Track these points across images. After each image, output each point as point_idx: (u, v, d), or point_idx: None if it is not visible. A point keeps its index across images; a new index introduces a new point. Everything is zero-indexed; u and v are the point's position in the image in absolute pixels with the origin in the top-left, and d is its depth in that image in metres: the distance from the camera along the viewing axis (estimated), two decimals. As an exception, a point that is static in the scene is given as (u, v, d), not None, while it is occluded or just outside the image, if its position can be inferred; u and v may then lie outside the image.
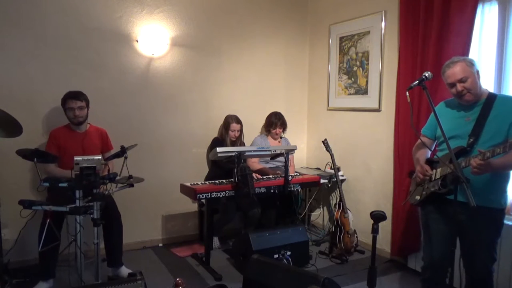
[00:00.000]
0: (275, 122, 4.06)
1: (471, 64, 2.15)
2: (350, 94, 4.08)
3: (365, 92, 3.87)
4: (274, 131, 4.08)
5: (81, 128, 3.13)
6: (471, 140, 2.10)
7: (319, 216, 4.55)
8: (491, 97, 2.16)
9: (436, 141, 2.43)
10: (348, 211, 3.72)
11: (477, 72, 2.16)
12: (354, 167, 4.05)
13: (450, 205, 2.13)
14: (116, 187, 2.74)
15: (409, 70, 3.27)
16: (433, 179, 2.23)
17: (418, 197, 2.33)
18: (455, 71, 2.14)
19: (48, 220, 2.46)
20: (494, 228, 2.14)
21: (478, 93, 2.16)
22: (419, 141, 2.48)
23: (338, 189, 3.76)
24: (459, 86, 2.13)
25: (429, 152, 2.41)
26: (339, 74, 4.22)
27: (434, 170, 2.23)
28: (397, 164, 3.42)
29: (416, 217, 3.25)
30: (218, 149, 3.17)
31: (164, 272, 3.30)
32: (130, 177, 2.72)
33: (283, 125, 4.12)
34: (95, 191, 2.46)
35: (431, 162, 2.32)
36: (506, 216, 2.70)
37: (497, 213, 2.12)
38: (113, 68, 3.59)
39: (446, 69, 2.19)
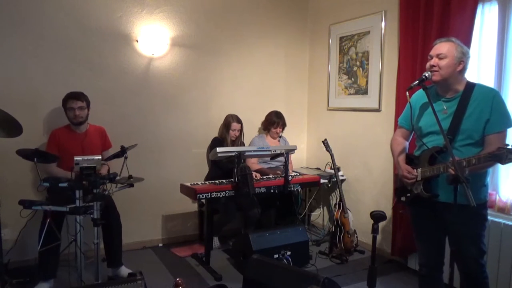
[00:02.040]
0: (276, 121, 4.06)
1: (461, 51, 2.06)
2: (350, 94, 4.08)
3: (365, 92, 3.87)
4: (274, 130, 4.08)
5: (81, 128, 3.13)
6: (449, 137, 2.04)
7: (319, 216, 4.55)
8: (469, 89, 2.08)
9: (412, 134, 2.38)
10: (348, 211, 3.72)
11: (462, 62, 2.06)
12: (354, 167, 4.05)
13: (435, 206, 2.14)
14: (116, 187, 2.74)
15: (409, 70, 3.27)
16: (416, 180, 2.18)
17: (403, 198, 2.31)
18: (441, 45, 2.08)
19: (48, 220, 2.46)
20: (478, 222, 2.12)
21: (450, 80, 2.08)
22: (395, 134, 2.45)
23: (338, 189, 3.76)
24: (433, 60, 2.08)
25: (407, 147, 2.39)
26: (339, 74, 4.22)
27: (417, 170, 2.17)
28: (397, 164, 3.42)
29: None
30: (218, 149, 3.17)
31: (164, 272, 3.30)
32: (130, 177, 2.73)
33: (284, 125, 4.13)
34: (95, 191, 2.46)
35: (410, 159, 2.28)
36: (506, 216, 2.73)
37: (478, 208, 2.06)
38: (113, 68, 3.59)
39: (437, 42, 2.13)
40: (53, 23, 3.30)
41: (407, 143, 2.41)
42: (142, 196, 3.73)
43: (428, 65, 2.11)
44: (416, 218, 2.34)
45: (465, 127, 2.04)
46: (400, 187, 2.34)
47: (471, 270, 2.14)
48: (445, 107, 2.13)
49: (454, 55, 2.05)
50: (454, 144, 2.06)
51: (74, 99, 3.01)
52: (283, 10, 4.46)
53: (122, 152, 2.74)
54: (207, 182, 3.45)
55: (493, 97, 2.04)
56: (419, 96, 2.27)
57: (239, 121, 3.92)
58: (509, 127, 2.05)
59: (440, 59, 2.06)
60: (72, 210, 2.39)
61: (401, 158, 2.31)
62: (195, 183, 3.38)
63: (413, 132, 2.38)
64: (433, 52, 2.11)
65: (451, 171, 1.86)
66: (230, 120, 3.89)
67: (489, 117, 2.01)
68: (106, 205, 2.76)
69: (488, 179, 2.17)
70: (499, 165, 2.80)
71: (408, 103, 2.29)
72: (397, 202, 2.46)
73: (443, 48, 2.07)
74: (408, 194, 2.25)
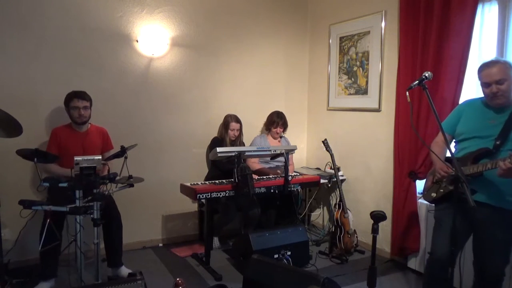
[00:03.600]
0: (276, 121, 4.06)
1: (510, 67, 2.11)
2: (350, 94, 4.08)
3: (365, 92, 3.87)
4: (274, 130, 4.09)
5: (82, 127, 3.13)
6: (498, 142, 2.08)
7: (319, 216, 4.55)
8: None
9: (454, 139, 2.41)
10: (348, 211, 3.72)
11: None
12: (354, 167, 4.05)
13: (467, 204, 2.13)
14: (116, 187, 2.75)
15: (409, 70, 3.27)
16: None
17: (434, 194, 2.31)
18: (493, 71, 2.10)
19: (48, 220, 2.46)
20: (510, 229, 2.11)
21: (510, 97, 2.13)
22: (437, 137, 2.47)
23: (338, 189, 3.76)
24: (495, 88, 2.10)
25: (447, 150, 2.40)
26: (339, 74, 4.22)
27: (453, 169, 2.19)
28: (397, 164, 3.42)
29: (416, 217, 3.25)
30: (218, 149, 3.17)
31: (164, 272, 3.30)
32: (130, 177, 2.72)
33: (284, 125, 4.13)
34: (95, 191, 2.46)
35: (449, 160, 2.28)
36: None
37: None
38: (113, 68, 3.59)
39: (485, 68, 2.15)
40: (53, 23, 3.30)
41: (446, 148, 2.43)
42: (142, 196, 3.72)
43: (489, 91, 2.12)
44: (443, 216, 2.30)
45: None
46: (432, 184, 2.35)
47: (492, 278, 2.13)
48: (493, 118, 2.17)
49: (509, 74, 2.09)
50: (502, 148, 2.08)
51: (80, 98, 3.01)
52: (283, 10, 4.46)
53: (122, 152, 2.74)
54: (207, 182, 3.45)
55: None
56: (469, 104, 2.33)
57: (238, 120, 3.92)
58: None
59: (501, 84, 2.09)
60: (72, 210, 2.39)
61: (440, 154, 2.33)
62: (195, 183, 3.38)
63: (453, 138, 2.41)
64: (488, 79, 2.11)
65: (502, 165, 1.90)
66: (229, 120, 3.89)
67: None
68: (106, 205, 2.76)
69: None
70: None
71: (457, 109, 2.39)
72: (426, 200, 2.46)
73: (497, 72, 2.09)
74: (441, 190, 2.25)
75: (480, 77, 2.19)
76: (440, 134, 2.46)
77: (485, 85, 2.15)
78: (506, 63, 2.12)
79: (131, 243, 3.68)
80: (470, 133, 2.22)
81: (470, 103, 2.35)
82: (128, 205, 3.56)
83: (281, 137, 4.24)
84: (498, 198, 1.97)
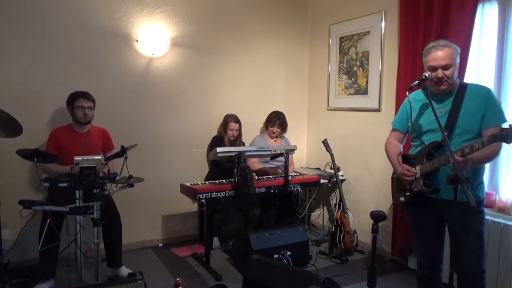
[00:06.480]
0: (273, 120, 4.06)
1: (457, 52, 2.08)
2: (350, 94, 4.08)
3: (365, 92, 3.87)
4: (271, 129, 4.08)
5: (83, 128, 3.13)
6: (447, 133, 2.03)
7: (319, 216, 4.55)
8: (462, 87, 2.11)
9: (406, 136, 2.42)
10: (348, 211, 3.72)
11: (458, 62, 2.10)
12: (354, 167, 4.05)
13: (435, 204, 2.14)
14: (116, 187, 2.75)
15: (409, 70, 3.27)
16: (415, 177, 2.18)
17: (402, 199, 2.30)
18: (441, 55, 2.04)
19: (48, 220, 2.46)
20: (478, 219, 2.11)
21: (454, 84, 2.11)
22: (390, 136, 2.46)
23: (338, 189, 3.76)
24: (441, 73, 2.06)
25: (402, 150, 2.39)
26: (339, 74, 4.22)
27: (416, 168, 2.17)
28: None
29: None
30: (218, 149, 3.17)
31: (164, 272, 3.30)
32: (130, 177, 2.73)
33: (282, 125, 4.11)
34: (95, 191, 2.46)
35: (406, 159, 2.28)
36: (506, 216, 2.73)
37: (478, 205, 2.08)
38: (113, 68, 3.59)
39: (432, 50, 2.08)
40: (53, 23, 3.30)
41: (401, 146, 2.42)
42: (142, 196, 3.73)
43: (435, 78, 2.08)
44: (415, 218, 2.34)
45: (461, 123, 2.07)
46: (398, 188, 2.33)
47: (471, 274, 2.10)
48: (440, 106, 2.15)
49: (455, 60, 2.07)
50: (452, 140, 2.07)
51: (85, 98, 3.03)
52: (283, 10, 4.46)
53: (122, 152, 2.74)
54: (207, 182, 3.45)
55: (487, 93, 2.09)
56: (414, 97, 2.28)
57: (237, 121, 3.91)
58: (503, 122, 2.06)
59: (447, 69, 2.06)
60: (72, 210, 2.40)
61: (399, 158, 2.31)
62: (195, 183, 3.38)
63: (407, 134, 2.40)
64: (435, 63, 2.07)
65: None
66: (228, 120, 3.89)
67: (485, 112, 2.04)
68: (106, 205, 2.76)
69: (483, 177, 2.18)
70: (499, 165, 2.82)
71: (404, 105, 2.34)
72: (395, 203, 2.45)
73: (446, 57, 2.05)
74: (408, 193, 2.24)
75: (426, 60, 2.11)
76: (392, 134, 2.46)
77: (431, 68, 2.09)
78: (452, 47, 2.07)
79: (131, 243, 3.68)
80: (423, 127, 2.19)
81: (415, 96, 2.26)
82: (128, 205, 3.56)
83: (280, 137, 4.24)
84: (459, 193, 1.87)
